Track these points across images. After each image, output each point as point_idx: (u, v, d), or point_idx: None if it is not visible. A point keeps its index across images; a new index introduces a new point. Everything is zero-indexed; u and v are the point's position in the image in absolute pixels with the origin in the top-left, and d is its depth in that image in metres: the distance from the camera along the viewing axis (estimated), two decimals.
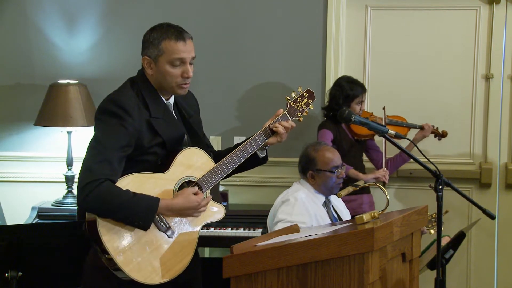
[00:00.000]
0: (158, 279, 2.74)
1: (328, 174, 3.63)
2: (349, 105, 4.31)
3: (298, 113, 3.08)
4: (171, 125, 2.90)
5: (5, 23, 4.77)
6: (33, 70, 4.77)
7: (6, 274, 3.10)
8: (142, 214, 2.69)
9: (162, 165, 2.85)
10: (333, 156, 3.67)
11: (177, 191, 2.83)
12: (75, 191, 4.47)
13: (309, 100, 3.12)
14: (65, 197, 4.50)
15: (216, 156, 3.02)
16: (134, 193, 2.70)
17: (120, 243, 2.68)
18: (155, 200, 2.73)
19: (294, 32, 4.68)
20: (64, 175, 4.53)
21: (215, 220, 2.95)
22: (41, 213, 4.38)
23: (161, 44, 2.82)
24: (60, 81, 4.48)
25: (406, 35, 4.78)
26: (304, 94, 3.12)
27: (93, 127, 2.84)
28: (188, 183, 2.88)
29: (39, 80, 4.73)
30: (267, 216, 3.79)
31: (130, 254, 2.69)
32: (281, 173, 4.70)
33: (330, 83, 4.59)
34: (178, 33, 2.85)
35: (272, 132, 3.01)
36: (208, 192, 2.91)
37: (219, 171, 2.92)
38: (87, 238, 2.77)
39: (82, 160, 2.75)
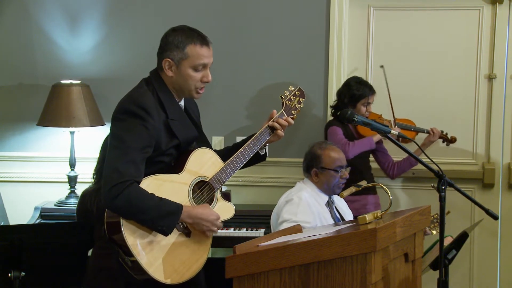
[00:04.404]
0: (178, 279, 2.77)
1: (332, 173, 3.63)
2: (355, 105, 4.29)
3: (292, 111, 3.15)
4: (186, 127, 2.92)
5: (7, 23, 4.77)
6: (36, 70, 4.77)
7: (9, 274, 3.10)
8: (166, 219, 2.71)
9: (175, 165, 2.87)
10: (339, 156, 3.68)
11: (191, 191, 2.84)
12: (77, 191, 4.49)
13: (300, 99, 3.20)
14: (67, 197, 4.49)
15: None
16: (160, 198, 2.71)
17: (143, 244, 2.70)
18: (179, 207, 2.75)
19: (297, 32, 4.68)
20: (67, 175, 4.53)
21: (225, 219, 2.96)
22: (44, 213, 4.38)
23: (186, 48, 2.82)
24: (62, 81, 4.48)
25: (408, 35, 4.77)
26: (296, 92, 3.20)
27: (111, 126, 2.81)
28: (200, 183, 2.90)
29: (42, 80, 4.73)
30: (269, 216, 3.79)
31: (153, 255, 2.71)
32: (283, 173, 4.69)
33: (333, 83, 4.59)
34: (202, 38, 2.87)
35: (272, 131, 3.06)
36: (219, 191, 2.93)
37: (228, 170, 2.96)
38: (106, 240, 2.76)
39: (106, 160, 2.73)
